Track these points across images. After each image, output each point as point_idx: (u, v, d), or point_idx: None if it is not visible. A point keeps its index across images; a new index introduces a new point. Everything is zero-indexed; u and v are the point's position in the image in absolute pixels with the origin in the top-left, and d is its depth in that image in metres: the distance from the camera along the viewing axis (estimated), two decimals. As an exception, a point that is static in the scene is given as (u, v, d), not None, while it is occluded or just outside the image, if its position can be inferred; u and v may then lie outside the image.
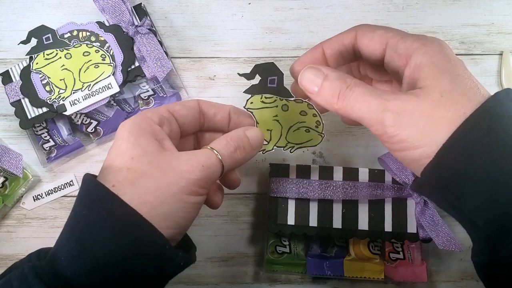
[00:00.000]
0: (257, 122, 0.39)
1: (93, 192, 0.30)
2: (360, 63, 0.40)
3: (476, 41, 0.54)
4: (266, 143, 0.40)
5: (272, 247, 0.48)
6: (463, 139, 0.29)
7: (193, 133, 0.39)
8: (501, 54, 0.54)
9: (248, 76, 0.38)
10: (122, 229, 0.29)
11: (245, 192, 0.52)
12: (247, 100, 0.38)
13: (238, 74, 0.38)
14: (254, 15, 0.55)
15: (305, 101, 0.38)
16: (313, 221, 0.46)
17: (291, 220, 0.46)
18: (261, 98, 0.38)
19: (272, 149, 0.40)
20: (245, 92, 0.38)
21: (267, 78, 0.37)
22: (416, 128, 0.30)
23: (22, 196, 0.51)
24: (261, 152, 0.39)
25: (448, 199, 0.31)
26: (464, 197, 0.30)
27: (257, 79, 0.38)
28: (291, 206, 0.46)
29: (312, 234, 0.46)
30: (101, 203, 0.29)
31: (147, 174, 0.30)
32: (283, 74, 0.37)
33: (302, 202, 0.46)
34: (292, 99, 0.38)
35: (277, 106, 0.38)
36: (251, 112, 0.38)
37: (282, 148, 0.40)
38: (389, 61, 0.34)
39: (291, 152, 0.40)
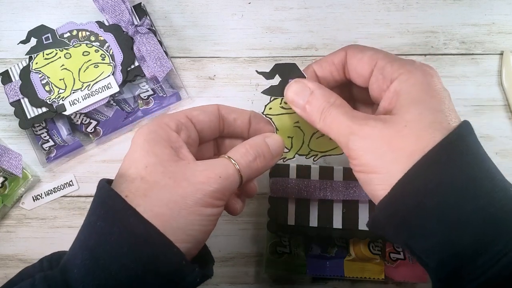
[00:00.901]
0: (276, 129, 0.37)
1: (108, 202, 0.29)
2: (351, 84, 0.39)
3: (476, 40, 0.54)
4: (287, 150, 0.38)
5: (272, 247, 0.48)
6: (418, 177, 0.28)
7: (213, 139, 0.37)
8: (501, 54, 0.54)
9: (267, 76, 0.35)
10: (138, 244, 0.28)
11: (245, 192, 0.52)
12: (266, 106, 0.36)
13: (257, 71, 0.36)
14: (254, 14, 0.55)
15: None
16: (313, 221, 0.46)
17: (291, 220, 0.46)
18: (281, 103, 0.36)
19: (294, 157, 0.38)
20: (263, 92, 0.36)
21: (287, 79, 0.35)
22: (375, 154, 0.30)
23: (21, 196, 0.51)
24: (281, 161, 0.37)
25: (401, 237, 0.31)
26: (415, 237, 0.29)
27: (276, 80, 0.35)
28: (291, 206, 0.46)
29: (312, 234, 0.45)
30: (117, 215, 0.28)
31: (160, 184, 0.29)
32: (305, 76, 0.35)
33: (302, 202, 0.46)
34: None
35: None
36: (270, 119, 0.37)
37: (304, 157, 0.38)
38: (373, 82, 0.33)
39: (314, 161, 0.39)
